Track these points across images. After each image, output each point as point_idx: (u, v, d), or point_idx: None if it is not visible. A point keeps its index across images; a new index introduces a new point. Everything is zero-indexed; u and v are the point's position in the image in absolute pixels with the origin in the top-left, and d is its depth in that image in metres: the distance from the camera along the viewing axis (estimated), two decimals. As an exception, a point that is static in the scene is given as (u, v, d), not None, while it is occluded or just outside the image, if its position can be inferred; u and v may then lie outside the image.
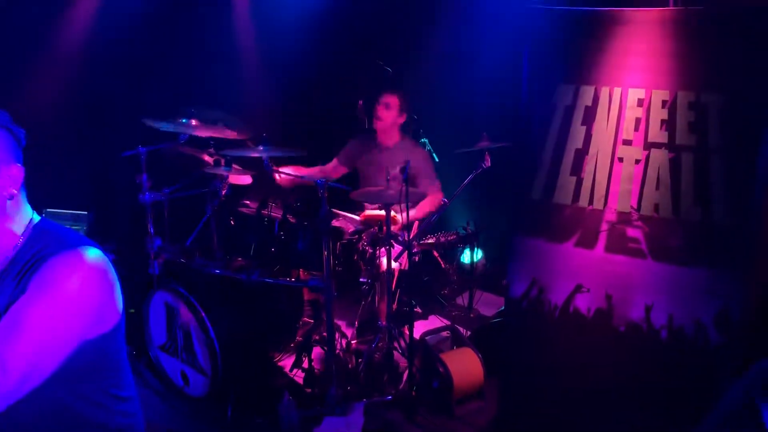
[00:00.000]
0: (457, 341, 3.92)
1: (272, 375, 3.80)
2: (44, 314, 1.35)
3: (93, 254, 1.44)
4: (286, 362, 3.88)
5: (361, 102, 4.92)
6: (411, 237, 3.85)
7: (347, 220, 4.05)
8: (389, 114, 4.20)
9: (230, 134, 3.73)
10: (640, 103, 2.82)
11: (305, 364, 3.72)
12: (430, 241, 4.44)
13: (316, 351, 3.87)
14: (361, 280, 3.86)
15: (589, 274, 3.00)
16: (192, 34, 4.84)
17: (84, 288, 1.40)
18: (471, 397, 3.66)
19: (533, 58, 3.08)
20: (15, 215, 1.48)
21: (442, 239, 4.49)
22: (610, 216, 2.92)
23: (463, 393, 3.61)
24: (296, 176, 4.00)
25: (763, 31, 2.54)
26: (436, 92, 5.07)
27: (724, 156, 2.65)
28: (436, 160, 4.71)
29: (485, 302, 4.94)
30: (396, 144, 4.30)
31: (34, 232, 1.50)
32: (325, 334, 3.63)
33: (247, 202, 4.05)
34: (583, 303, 3.02)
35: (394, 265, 3.74)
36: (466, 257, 5.16)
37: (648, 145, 2.82)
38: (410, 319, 3.62)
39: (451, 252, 5.08)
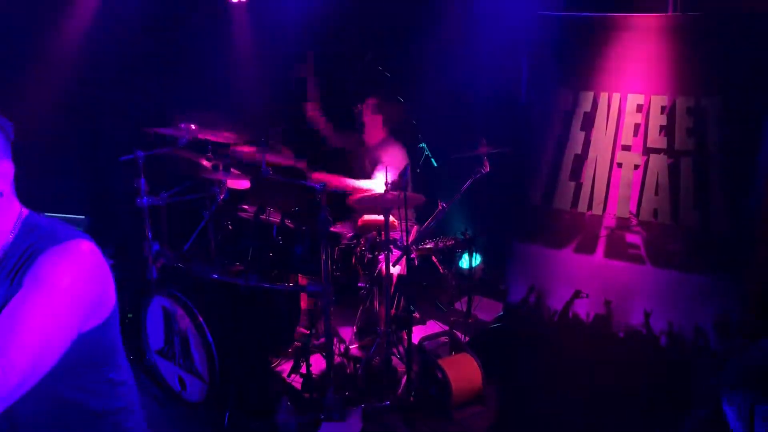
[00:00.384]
0: (456, 347, 3.91)
1: (270, 380, 3.79)
2: (41, 311, 1.34)
3: (84, 246, 1.43)
4: (284, 367, 3.87)
5: (359, 105, 4.94)
6: (409, 242, 3.85)
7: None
8: (370, 113, 4.39)
9: (228, 137, 3.72)
10: (639, 108, 2.83)
11: (303, 369, 3.71)
12: (428, 246, 4.43)
13: (314, 356, 3.86)
14: (359, 285, 3.86)
15: (588, 280, 3.00)
16: (190, 39, 4.84)
17: (78, 281, 1.40)
18: (470, 402, 3.65)
19: (532, 64, 3.09)
20: (5, 212, 1.46)
21: (441, 244, 4.47)
22: (609, 221, 2.92)
23: (462, 398, 3.60)
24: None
25: (761, 37, 2.55)
26: (435, 97, 5.07)
27: (722, 161, 2.66)
28: (435, 165, 4.71)
29: (484, 308, 4.92)
30: (377, 143, 4.37)
31: (24, 227, 1.47)
32: (323, 339, 3.62)
33: (245, 206, 4.05)
34: (582, 308, 3.02)
35: (392, 270, 3.74)
36: (464, 262, 5.15)
37: (647, 151, 2.82)
38: (408, 325, 3.61)
39: (450, 257, 5.06)
